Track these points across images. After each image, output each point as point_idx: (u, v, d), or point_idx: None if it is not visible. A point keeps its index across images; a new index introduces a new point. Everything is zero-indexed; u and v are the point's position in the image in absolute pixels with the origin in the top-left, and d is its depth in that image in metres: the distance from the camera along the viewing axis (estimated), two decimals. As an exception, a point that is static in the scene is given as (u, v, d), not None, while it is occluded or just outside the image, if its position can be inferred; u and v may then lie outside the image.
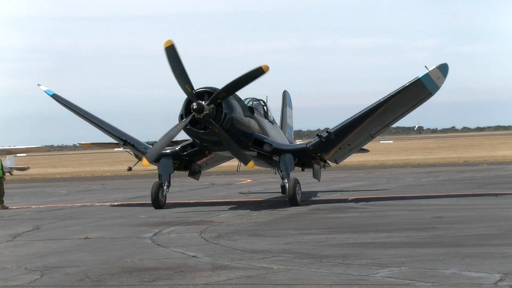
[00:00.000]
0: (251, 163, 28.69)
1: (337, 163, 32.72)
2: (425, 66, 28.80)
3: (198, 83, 27.86)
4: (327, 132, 30.13)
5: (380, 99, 29.28)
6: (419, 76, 28.75)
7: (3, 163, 34.89)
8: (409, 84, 28.88)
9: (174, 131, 28.05)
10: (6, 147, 73.59)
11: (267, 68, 27.03)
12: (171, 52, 27.23)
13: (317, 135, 30.61)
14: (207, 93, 27.91)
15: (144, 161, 29.29)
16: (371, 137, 31.04)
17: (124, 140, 32.58)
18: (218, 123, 27.83)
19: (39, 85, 34.44)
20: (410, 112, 30.00)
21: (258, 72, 27.17)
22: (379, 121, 29.94)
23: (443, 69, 28.92)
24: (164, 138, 28.33)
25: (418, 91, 29.05)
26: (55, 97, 33.60)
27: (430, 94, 29.29)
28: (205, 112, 27.48)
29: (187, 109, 27.88)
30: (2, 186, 33.96)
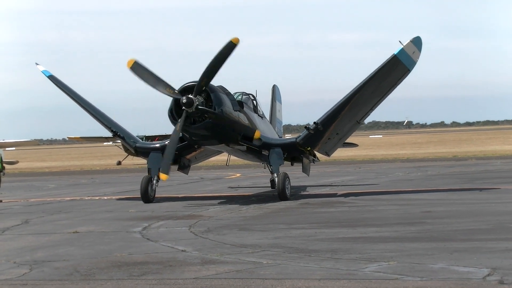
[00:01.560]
0: (165, 176, 27.93)
1: (328, 155, 32.60)
2: (400, 41, 28.99)
3: (188, 77, 27.83)
4: (315, 123, 30.09)
5: (361, 82, 29.32)
6: (395, 53, 28.88)
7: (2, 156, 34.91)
8: (386, 63, 28.98)
9: (175, 135, 27.81)
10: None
11: (237, 40, 26.95)
12: (137, 69, 27.58)
13: (305, 127, 30.62)
14: (191, 88, 27.81)
15: (163, 175, 28.00)
16: (358, 123, 30.95)
17: (115, 132, 32.36)
18: (207, 117, 27.79)
19: (37, 64, 34.30)
20: (391, 92, 29.98)
21: (230, 46, 27.04)
22: (363, 105, 29.90)
23: (416, 42, 29.10)
24: (169, 146, 28.07)
25: (396, 68, 29.15)
26: (52, 78, 33.55)
27: (408, 71, 29.44)
28: (195, 104, 27.42)
29: (176, 104, 27.81)
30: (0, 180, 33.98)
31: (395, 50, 28.85)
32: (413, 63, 29.31)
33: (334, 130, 30.42)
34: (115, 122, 32.81)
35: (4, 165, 34.88)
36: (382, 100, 30.26)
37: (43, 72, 33.94)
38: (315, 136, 30.33)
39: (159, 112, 28.86)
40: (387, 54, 29.23)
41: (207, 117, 27.78)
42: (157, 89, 27.68)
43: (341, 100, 29.64)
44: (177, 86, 27.98)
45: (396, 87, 29.90)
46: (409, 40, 28.83)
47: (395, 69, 29.13)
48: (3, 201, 33.67)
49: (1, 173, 34.10)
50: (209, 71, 27.41)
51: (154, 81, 27.72)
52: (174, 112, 27.91)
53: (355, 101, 29.54)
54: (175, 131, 27.80)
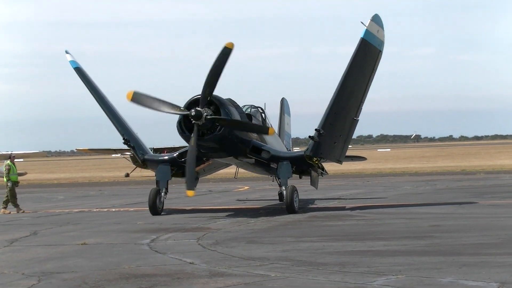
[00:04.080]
0: (191, 192, 27.75)
1: (340, 162, 32.25)
2: (361, 22, 29.60)
3: (197, 89, 27.75)
4: (316, 130, 30.03)
5: (342, 76, 29.62)
6: (361, 36, 29.39)
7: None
8: (357, 48, 29.43)
9: (191, 150, 27.49)
10: (3, 152, 73.61)
11: (232, 44, 26.85)
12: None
13: (309, 136, 30.52)
14: (197, 101, 27.73)
15: (189, 192, 27.55)
16: (355, 120, 30.89)
17: (126, 140, 32.13)
18: (216, 130, 27.78)
19: (66, 52, 34.15)
20: (372, 78, 30.40)
21: (225, 52, 26.86)
22: (352, 98, 30.21)
23: (377, 20, 29.81)
24: (189, 163, 27.57)
25: (368, 52, 29.69)
26: (78, 70, 33.44)
27: (379, 52, 30.13)
28: (204, 115, 27.35)
29: (185, 116, 27.75)
30: (14, 191, 34.01)
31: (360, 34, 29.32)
32: (381, 42, 30.03)
33: (337, 132, 30.40)
34: (130, 130, 32.49)
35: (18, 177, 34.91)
36: (367, 90, 30.61)
37: (70, 62, 33.73)
38: (322, 143, 30.27)
39: (167, 125, 28.81)
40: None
41: (217, 125, 27.74)
42: (163, 111, 27.61)
43: (331, 100, 29.85)
44: (186, 97, 28.05)
45: (375, 72, 30.43)
46: (369, 19, 29.38)
47: (367, 53, 29.66)
48: (11, 212, 33.74)
49: (15, 184, 34.20)
50: (210, 81, 27.27)
51: (158, 105, 27.62)
52: (183, 124, 27.92)
53: (345, 96, 29.89)
54: (191, 147, 27.62)
